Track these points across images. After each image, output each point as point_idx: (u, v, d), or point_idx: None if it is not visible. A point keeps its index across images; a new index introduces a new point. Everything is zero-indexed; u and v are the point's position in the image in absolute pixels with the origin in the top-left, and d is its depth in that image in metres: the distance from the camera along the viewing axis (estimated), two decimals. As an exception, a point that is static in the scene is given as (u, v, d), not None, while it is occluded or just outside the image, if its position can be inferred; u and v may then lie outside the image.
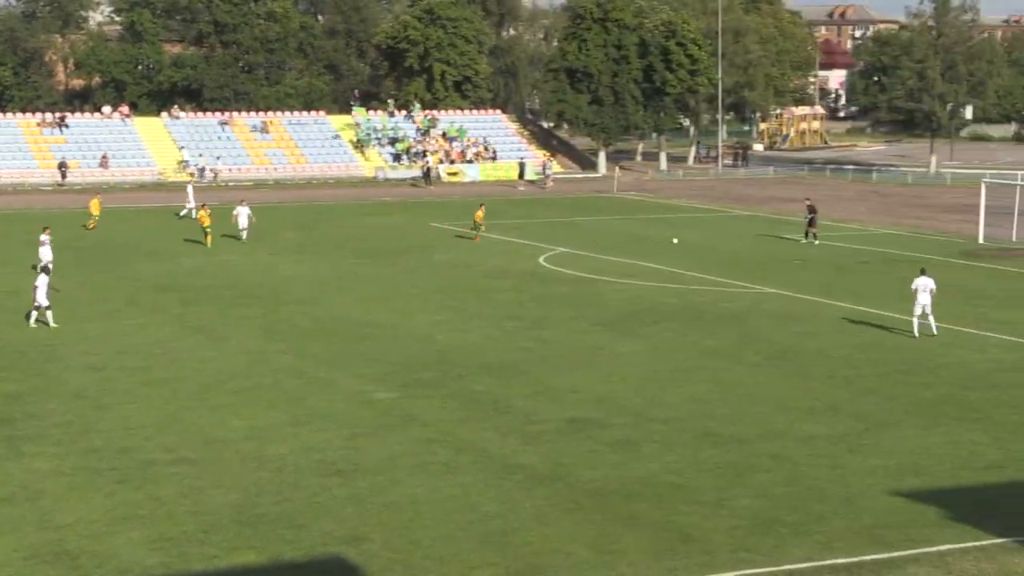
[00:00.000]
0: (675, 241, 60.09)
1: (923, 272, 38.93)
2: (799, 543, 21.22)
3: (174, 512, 22.48)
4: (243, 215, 59.45)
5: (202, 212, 58.34)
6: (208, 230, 57.26)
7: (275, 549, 20.87)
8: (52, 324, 38.32)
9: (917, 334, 37.96)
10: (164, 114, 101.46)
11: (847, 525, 22.07)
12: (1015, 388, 31.95)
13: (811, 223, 60.74)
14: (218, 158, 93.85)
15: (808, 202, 62.71)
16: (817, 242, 59.76)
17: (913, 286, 38.31)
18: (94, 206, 64.41)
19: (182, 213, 68.29)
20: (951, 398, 30.93)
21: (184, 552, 20.70)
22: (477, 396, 30.80)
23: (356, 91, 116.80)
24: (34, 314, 38.53)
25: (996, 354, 35.97)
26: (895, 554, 20.77)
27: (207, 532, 21.55)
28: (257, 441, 26.85)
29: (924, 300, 38.00)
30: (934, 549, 20.97)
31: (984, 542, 21.29)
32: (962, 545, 21.14)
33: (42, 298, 38.26)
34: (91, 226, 63.19)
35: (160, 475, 24.54)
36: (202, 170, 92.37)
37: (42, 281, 38.49)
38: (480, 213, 60.72)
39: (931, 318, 38.25)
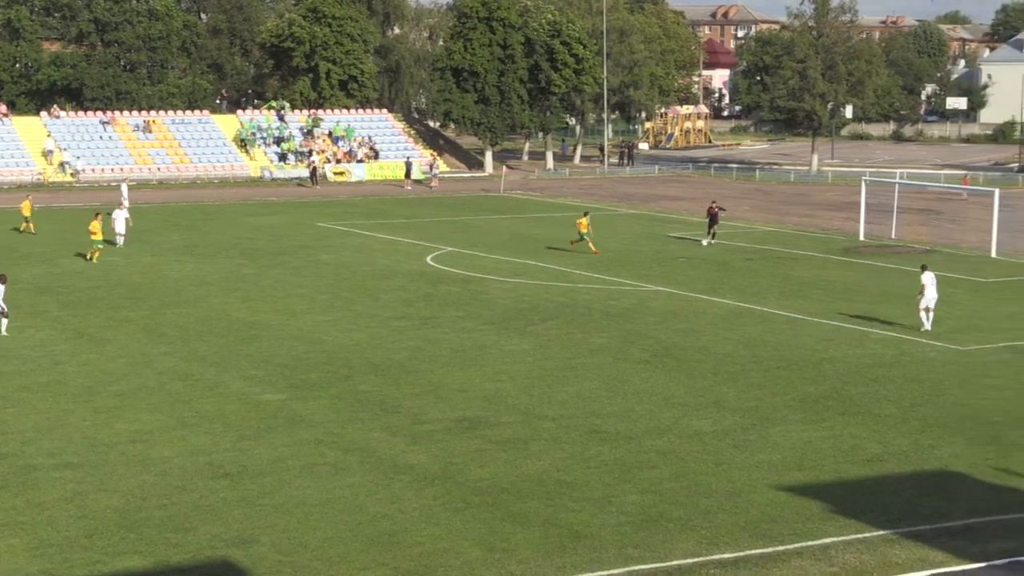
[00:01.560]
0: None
1: (925, 268, 39.96)
2: (686, 538, 21.44)
3: (56, 518, 22.09)
4: (120, 219, 57.68)
5: (95, 222, 52.36)
6: (98, 245, 52.31)
7: (161, 553, 20.61)
8: (3, 332, 37.22)
9: (928, 327, 38.82)
10: (44, 113, 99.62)
11: (733, 520, 22.35)
12: (892, 383, 32.60)
13: (712, 223, 60.82)
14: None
15: (714, 204, 62.42)
16: (714, 241, 60.16)
17: (922, 281, 39.10)
18: (25, 208, 61.99)
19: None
20: (833, 393, 31.46)
21: (67, 558, 20.35)
22: (365, 396, 30.67)
23: (223, 91, 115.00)
24: (4, 322, 37.54)
25: (874, 349, 36.66)
26: (780, 548, 21.06)
27: (91, 537, 21.21)
28: (142, 444, 26.48)
29: (932, 294, 38.87)
30: (818, 542, 21.31)
31: (866, 534, 21.69)
32: (845, 538, 21.52)
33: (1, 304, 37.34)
34: (23, 228, 61.30)
35: (41, 480, 24.10)
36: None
37: None
38: (584, 220, 56.93)
39: (932, 313, 39.11)
